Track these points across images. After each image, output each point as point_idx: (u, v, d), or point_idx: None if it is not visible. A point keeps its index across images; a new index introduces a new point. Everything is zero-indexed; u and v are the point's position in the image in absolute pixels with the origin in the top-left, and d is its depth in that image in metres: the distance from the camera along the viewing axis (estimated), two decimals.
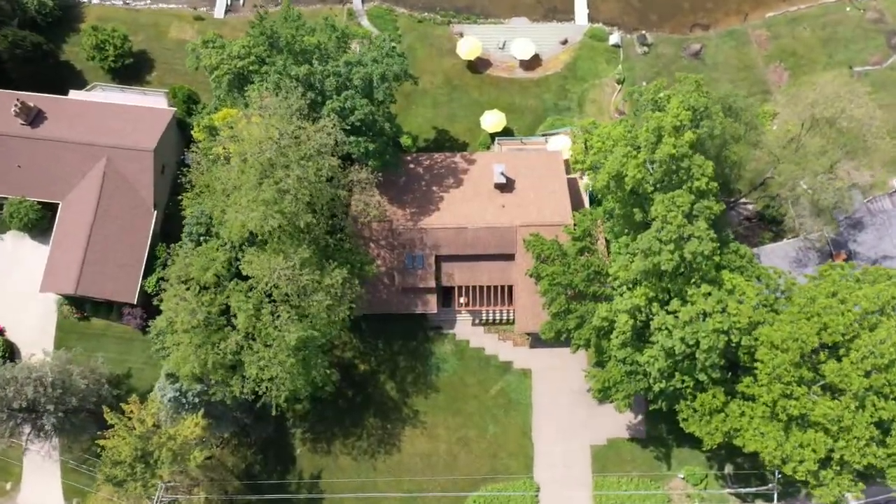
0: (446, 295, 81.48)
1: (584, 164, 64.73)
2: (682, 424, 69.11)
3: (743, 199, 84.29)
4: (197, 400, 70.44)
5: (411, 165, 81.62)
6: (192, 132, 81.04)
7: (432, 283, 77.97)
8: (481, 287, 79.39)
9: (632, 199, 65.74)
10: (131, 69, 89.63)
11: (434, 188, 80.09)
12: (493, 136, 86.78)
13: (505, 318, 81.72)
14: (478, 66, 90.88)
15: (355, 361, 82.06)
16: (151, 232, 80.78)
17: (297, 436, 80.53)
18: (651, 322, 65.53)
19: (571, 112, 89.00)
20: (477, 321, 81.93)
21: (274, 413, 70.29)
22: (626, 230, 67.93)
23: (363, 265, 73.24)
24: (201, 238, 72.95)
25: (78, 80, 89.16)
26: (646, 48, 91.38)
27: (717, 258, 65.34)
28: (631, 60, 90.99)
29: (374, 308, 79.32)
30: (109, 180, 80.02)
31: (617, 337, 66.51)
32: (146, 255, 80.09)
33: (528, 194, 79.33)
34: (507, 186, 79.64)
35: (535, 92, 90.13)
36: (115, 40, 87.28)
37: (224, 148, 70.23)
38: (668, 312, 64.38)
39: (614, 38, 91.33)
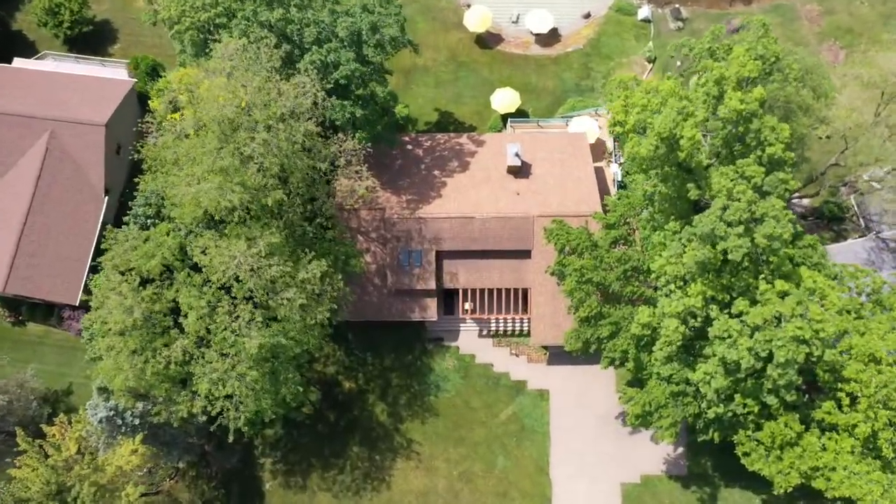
0: (448, 299, 65.69)
1: (623, 127, 49.32)
2: (743, 461, 52.78)
3: (796, 194, 68.91)
4: (137, 422, 54.41)
5: (409, 147, 66.36)
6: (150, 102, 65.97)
7: (432, 285, 62.32)
8: (490, 290, 63.66)
9: (682, 175, 50.35)
10: (91, 39, 74.79)
11: (435, 172, 64.71)
12: (504, 118, 71.70)
13: (518, 328, 65.88)
14: (488, 40, 76.05)
15: (339, 378, 66.07)
16: (101, 221, 65.21)
17: (267, 467, 64.22)
18: (708, 329, 49.77)
19: (596, 93, 73.96)
20: (485, 332, 66.15)
21: (231, 440, 54.22)
22: (673, 216, 52.43)
23: (348, 258, 57.65)
24: (149, 221, 57.46)
25: (30, 50, 74.25)
26: (680, 24, 76.56)
27: (791, 250, 49.75)
28: (662, 37, 76.02)
29: (362, 314, 63.55)
30: (52, 159, 64.67)
31: (662, 348, 50.60)
32: (93, 248, 64.59)
33: (547, 180, 63.92)
34: (522, 171, 64.26)
35: (553, 71, 75.15)
36: (72, 5, 72.62)
37: (181, 114, 55.13)
38: (732, 316, 48.64)
39: (644, 11, 76.57)
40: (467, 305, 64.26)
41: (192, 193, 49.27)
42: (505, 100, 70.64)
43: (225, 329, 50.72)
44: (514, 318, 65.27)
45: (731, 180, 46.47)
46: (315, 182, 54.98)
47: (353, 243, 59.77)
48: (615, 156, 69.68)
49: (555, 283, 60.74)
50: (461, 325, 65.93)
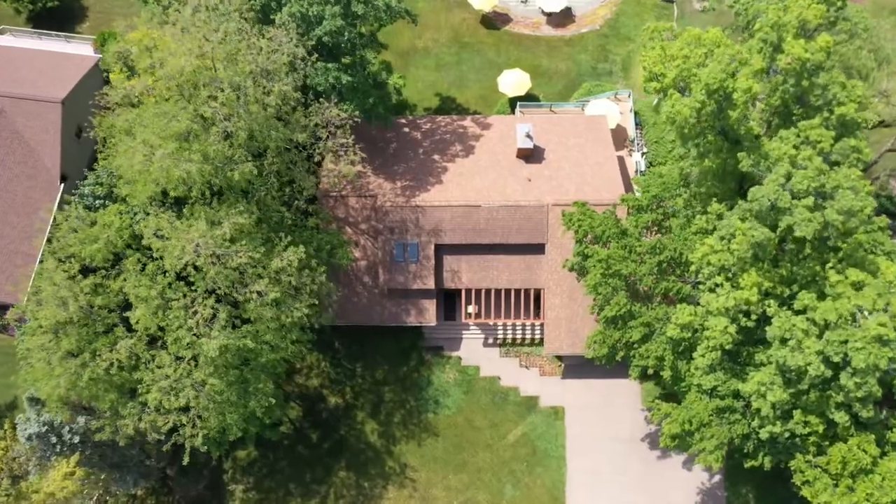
0: (449, 302, 56.09)
1: (661, 82, 40.01)
2: (804, 492, 42.46)
3: None
4: (77, 439, 44.63)
5: (406, 130, 57.18)
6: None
7: (430, 284, 52.76)
8: (497, 291, 53.98)
9: (727, 146, 41.01)
10: (57, 16, 65.93)
11: (435, 157, 55.42)
12: (513, 103, 62.67)
13: (529, 335, 56.13)
14: (494, 20, 67.26)
15: (323, 392, 56.20)
16: (56, 210, 56.06)
17: (238, 494, 54.06)
18: (760, 331, 40.14)
19: (614, 77, 64.92)
20: (491, 340, 56.44)
21: (187, 461, 44.23)
22: (716, 196, 43.00)
23: (334, 248, 48.21)
24: (99, 202, 48.14)
25: None
26: (705, 3, 67.93)
27: (861, 235, 40.26)
28: (686, 18, 67.16)
29: (350, 318, 53.88)
30: (0, 140, 55.85)
31: (705, 354, 40.80)
32: (45, 241, 55.17)
33: (562, 166, 54.58)
34: (534, 156, 54.96)
35: (566, 53, 66.26)
36: None
37: (138, 77, 46.05)
38: (795, 312, 38.98)
39: None
40: (470, 309, 54.60)
41: (140, 162, 39.96)
42: (513, 82, 61.60)
43: (180, 327, 41.12)
44: (524, 324, 55.60)
45: (794, 146, 37.12)
46: (293, 159, 45.63)
47: (340, 233, 50.28)
48: (638, 144, 60.51)
49: (573, 283, 51.17)
50: (463, 331, 56.22)
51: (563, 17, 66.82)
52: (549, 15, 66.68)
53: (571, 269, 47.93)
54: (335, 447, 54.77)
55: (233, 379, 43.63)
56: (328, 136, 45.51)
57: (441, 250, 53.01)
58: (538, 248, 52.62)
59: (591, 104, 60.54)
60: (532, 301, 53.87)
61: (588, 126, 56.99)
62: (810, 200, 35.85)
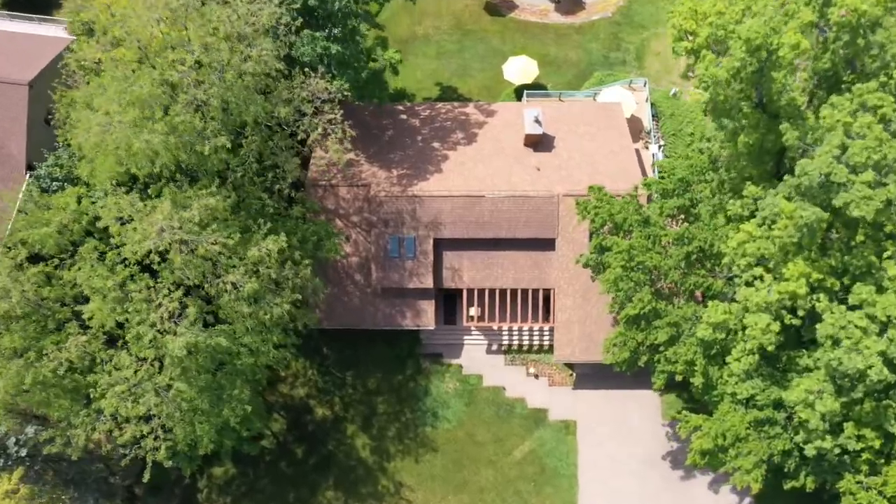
0: (449, 303, 50.34)
1: (693, 41, 34.55)
2: None
3: None
4: (25, 452, 38.74)
5: (403, 116, 51.77)
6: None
7: (428, 283, 47.08)
8: (503, 292, 48.17)
9: (766, 120, 35.50)
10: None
11: (435, 144, 49.97)
12: (519, 92, 57.39)
13: (538, 341, 50.33)
14: (499, 6, 62.10)
15: (310, 403, 50.24)
16: (19, 202, 50.55)
17: None
18: (811, 329, 34.41)
19: (628, 66, 59.58)
20: (495, 346, 50.63)
21: (146, 479, 38.28)
22: (751, 179, 37.47)
23: (321, 239, 42.59)
24: (56, 185, 42.64)
25: None
26: None
27: None
28: None
29: (339, 320, 48.12)
30: None
31: (741, 358, 35.11)
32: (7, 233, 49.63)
33: (573, 155, 49.06)
34: (543, 144, 49.46)
35: (576, 41, 61.06)
36: None
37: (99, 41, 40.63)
38: (850, 307, 33.24)
39: None
40: (473, 311, 48.82)
41: (96, 133, 34.47)
42: (520, 69, 56.28)
43: (141, 323, 35.41)
44: (532, 329, 49.78)
45: (849, 112, 31.62)
46: (274, 136, 40.11)
47: (328, 223, 44.66)
48: (654, 136, 55.09)
49: (586, 282, 45.43)
50: (465, 336, 50.39)
51: (572, 4, 61.70)
52: (557, 2, 61.57)
53: (586, 266, 42.24)
54: (322, 464, 48.74)
55: (204, 384, 37.80)
56: (315, 112, 39.97)
57: (440, 245, 47.35)
58: (548, 244, 46.93)
59: (603, 92, 55.22)
60: (541, 303, 48.08)
61: (601, 113, 51.58)
62: (870, 175, 30.27)
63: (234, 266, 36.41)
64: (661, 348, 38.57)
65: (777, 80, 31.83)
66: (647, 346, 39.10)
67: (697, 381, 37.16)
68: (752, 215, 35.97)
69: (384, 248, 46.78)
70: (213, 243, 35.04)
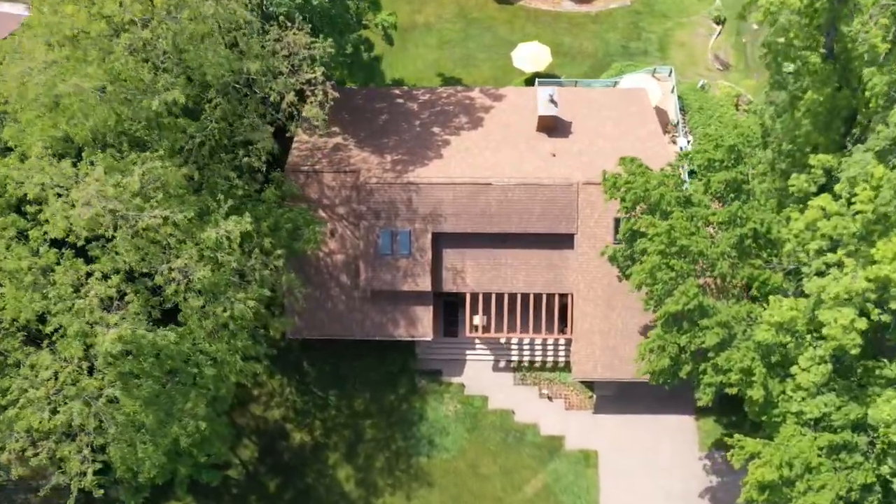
0: (450, 311, 42.84)
1: None
2: None
3: None
4: None
5: (400, 101, 44.90)
6: None
7: (426, 285, 39.68)
8: (512, 297, 40.65)
9: (839, 69, 28.60)
10: None
11: (435, 129, 43.03)
12: (530, 82, 50.70)
13: (552, 356, 42.74)
14: None
15: (286, 427, 42.42)
16: None
17: None
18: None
19: (650, 56, 53.02)
20: (503, 362, 42.97)
21: None
22: (816, 146, 30.39)
23: (298, 227, 35.30)
24: None
25: None
26: None
27: None
28: None
29: (321, 329, 40.62)
30: None
31: (811, 368, 27.60)
32: None
33: (594, 141, 42.03)
34: (559, 129, 42.54)
35: (592, 30, 54.61)
36: None
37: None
38: None
39: None
40: (477, 320, 41.27)
41: (16, 77, 27.57)
42: (531, 56, 49.65)
43: (60, 312, 28.00)
44: (546, 341, 42.25)
45: None
46: (244, 100, 33.15)
47: (307, 210, 37.49)
48: (682, 129, 48.24)
49: (611, 284, 38.10)
50: (468, 350, 42.76)
51: None
52: None
53: (612, 260, 34.88)
54: (299, 499, 40.75)
55: (148, 395, 30.23)
56: (291, 71, 32.99)
57: (440, 242, 40.06)
58: (565, 240, 39.62)
59: (625, 80, 48.55)
60: (557, 310, 40.57)
61: (625, 99, 44.80)
62: None
63: (177, 247, 29.10)
64: (710, 354, 30.90)
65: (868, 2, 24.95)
66: (691, 352, 31.45)
67: (756, 393, 29.37)
68: (822, 191, 28.74)
69: (374, 243, 39.51)
70: (155, 218, 27.75)
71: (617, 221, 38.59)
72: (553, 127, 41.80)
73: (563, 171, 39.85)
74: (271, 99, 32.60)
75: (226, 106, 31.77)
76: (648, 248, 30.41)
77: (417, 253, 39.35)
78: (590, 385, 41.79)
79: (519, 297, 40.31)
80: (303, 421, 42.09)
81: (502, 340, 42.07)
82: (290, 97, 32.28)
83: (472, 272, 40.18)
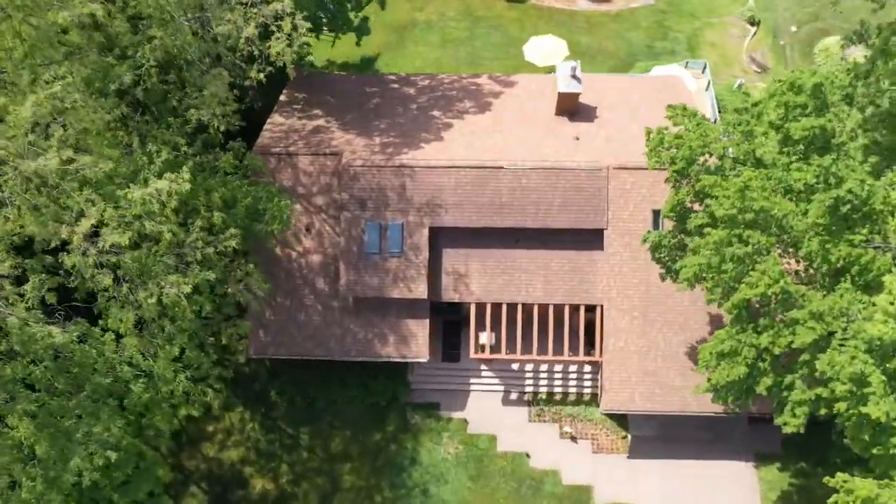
0: (451, 328, 34.54)
1: None
2: None
3: None
4: None
5: (395, 85, 37.71)
6: None
7: (421, 292, 31.51)
8: (528, 309, 32.41)
9: None
10: None
11: (435, 113, 35.55)
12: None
13: (576, 385, 34.18)
14: None
15: (244, 472, 33.47)
16: None
17: None
18: None
19: (678, 55, 46.30)
20: (515, 393, 34.39)
21: None
22: None
23: (258, 201, 27.32)
24: None
25: None
26: None
27: None
28: None
29: (291, 348, 32.32)
30: None
31: None
32: None
33: (625, 125, 34.25)
34: (583, 113, 35.17)
35: (613, 30, 48.06)
36: None
37: None
38: None
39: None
40: (484, 338, 32.93)
41: None
42: (546, 50, 43.08)
43: None
44: (569, 366, 33.84)
45: None
46: (193, 38, 25.96)
47: (273, 185, 29.87)
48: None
49: (650, 292, 30.11)
50: (472, 378, 34.22)
51: None
52: None
53: (656, 249, 26.96)
54: None
55: (36, 409, 21.92)
56: (251, 3, 25.81)
57: (439, 239, 32.21)
58: (593, 238, 31.72)
59: (655, 71, 41.72)
60: (582, 326, 32.32)
61: (660, 85, 37.65)
62: None
63: (90, 202, 21.33)
64: (802, 359, 22.52)
65: None
66: (772, 357, 23.05)
67: (877, 412, 20.73)
68: None
69: (359, 239, 31.65)
70: (53, 162, 20.06)
71: (656, 214, 30.96)
72: (576, 110, 34.52)
73: (588, 155, 32.31)
74: (225, 33, 25.23)
75: (166, 39, 24.46)
76: (716, 211, 22.33)
77: (411, 252, 31.45)
78: (623, 422, 33.18)
79: (536, 308, 32.12)
80: (266, 465, 33.32)
81: (514, 366, 33.68)
82: (250, 30, 25.04)
83: (478, 277, 32.15)
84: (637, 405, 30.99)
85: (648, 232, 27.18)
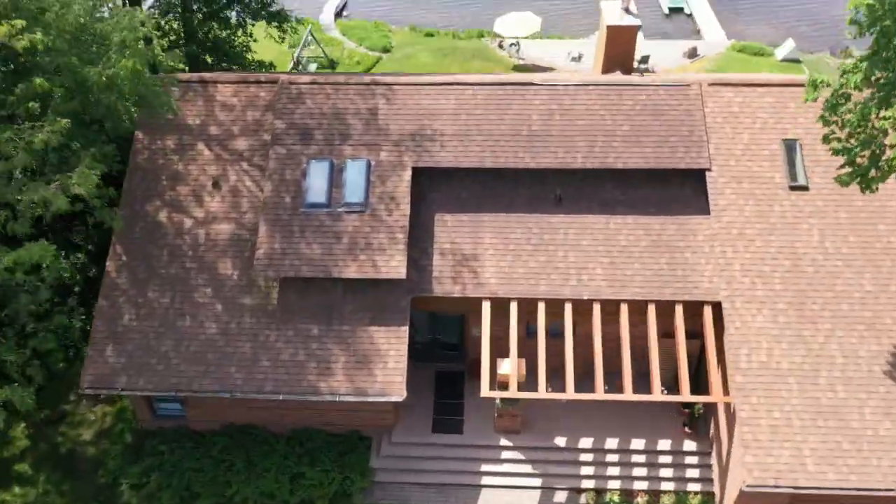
0: (447, 379, 19.53)
1: None
2: None
3: None
4: None
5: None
6: None
7: (395, 269, 17.20)
8: (577, 307, 17.92)
9: None
10: None
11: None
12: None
13: (672, 468, 18.20)
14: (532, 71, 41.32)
15: None
16: None
17: None
18: None
19: None
20: (564, 491, 18.12)
21: None
22: None
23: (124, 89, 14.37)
24: None
25: None
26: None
27: None
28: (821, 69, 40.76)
29: (157, 381, 17.47)
30: None
31: None
32: None
33: None
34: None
35: None
36: None
37: None
38: None
39: (786, 49, 42.70)
40: (506, 366, 17.78)
41: None
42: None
43: None
44: (662, 433, 18.23)
45: None
46: None
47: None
48: None
49: (800, 266, 16.29)
50: (484, 459, 18.42)
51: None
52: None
53: (835, 108, 13.84)
54: None
55: None
56: None
57: (431, 192, 18.73)
58: (686, 191, 18.41)
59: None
60: (683, 343, 17.48)
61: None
62: None
63: None
64: None
65: None
66: None
67: None
68: None
69: (294, 186, 18.36)
70: None
71: (790, 148, 18.18)
72: (632, 53, 23.03)
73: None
74: None
75: None
76: None
77: (381, 205, 17.99)
78: None
79: (598, 310, 17.63)
80: None
81: (559, 440, 18.18)
82: None
83: (493, 258, 18.20)
84: (811, 475, 15.21)
85: (831, 131, 14.31)
